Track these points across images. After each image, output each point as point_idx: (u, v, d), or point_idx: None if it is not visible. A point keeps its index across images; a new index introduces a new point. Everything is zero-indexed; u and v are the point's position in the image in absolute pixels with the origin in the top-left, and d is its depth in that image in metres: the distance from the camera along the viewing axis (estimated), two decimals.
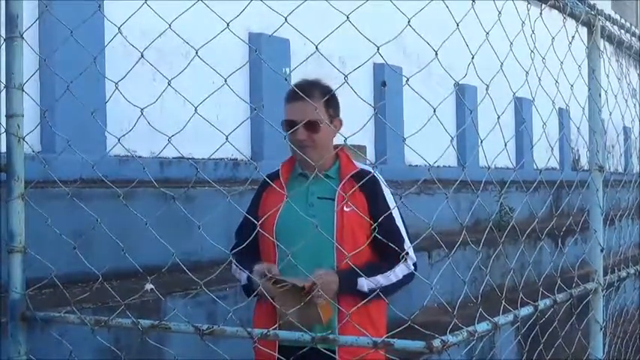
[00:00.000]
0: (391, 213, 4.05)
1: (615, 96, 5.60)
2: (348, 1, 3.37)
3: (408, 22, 3.10)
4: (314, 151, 4.09)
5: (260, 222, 3.82)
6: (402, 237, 4.07)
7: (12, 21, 3.77)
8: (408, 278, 4.05)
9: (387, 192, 4.15)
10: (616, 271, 5.30)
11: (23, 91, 3.80)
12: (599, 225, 4.90)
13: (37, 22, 6.51)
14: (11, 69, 3.77)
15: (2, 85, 3.82)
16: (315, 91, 4.09)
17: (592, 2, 4.89)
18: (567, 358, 5.45)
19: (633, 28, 5.95)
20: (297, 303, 3.72)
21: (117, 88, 3.68)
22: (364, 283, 3.88)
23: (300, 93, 3.87)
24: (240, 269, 4.05)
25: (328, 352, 3.88)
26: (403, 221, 4.15)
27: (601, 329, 4.96)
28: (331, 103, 4.14)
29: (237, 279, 4.20)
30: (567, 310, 4.72)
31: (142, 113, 3.55)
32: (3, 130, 3.81)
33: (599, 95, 4.89)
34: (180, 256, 3.70)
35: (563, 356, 5.51)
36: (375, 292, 3.87)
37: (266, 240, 3.98)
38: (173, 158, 7.63)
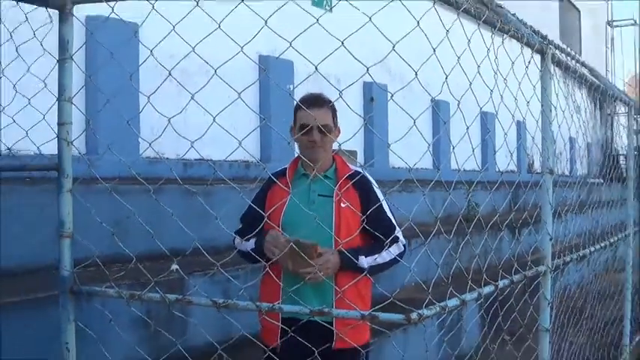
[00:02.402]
0: (381, 205, 4.05)
1: (563, 111, 5.62)
2: (342, 28, 3.35)
3: (393, 47, 3.09)
4: (323, 151, 4.10)
5: (268, 214, 3.82)
6: (393, 224, 4.08)
7: (64, 45, 3.76)
8: (401, 256, 4.05)
9: (376, 188, 4.16)
10: (562, 256, 5.31)
11: (72, 103, 3.79)
12: (549, 218, 4.91)
13: (84, 46, 6.50)
14: (62, 85, 3.76)
15: (55, 99, 3.81)
16: (325, 102, 4.10)
17: (544, 34, 4.92)
18: (521, 327, 5.45)
19: (577, 55, 5.99)
20: (302, 262, 3.79)
21: (149, 101, 3.66)
22: (364, 261, 3.88)
23: (313, 102, 4.04)
24: (247, 240, 4.05)
25: (324, 323, 3.88)
26: (392, 211, 4.14)
27: (549, 304, 4.97)
28: (335, 113, 4.15)
29: (240, 251, 4.18)
30: (522, 289, 4.72)
31: (169, 122, 3.54)
32: (55, 135, 3.80)
33: (550, 110, 4.90)
34: (201, 242, 3.69)
35: (518, 327, 5.51)
36: (372, 269, 3.95)
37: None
38: (195, 160, 7.64)
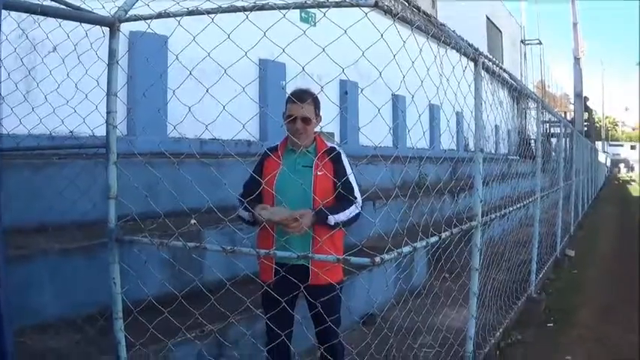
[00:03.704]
0: (347, 173, 4.01)
1: (490, 105, 5.60)
2: (323, 38, 3.29)
3: (362, 53, 3.11)
4: (305, 136, 4.02)
5: (265, 180, 3.86)
6: (354, 189, 4.02)
7: (112, 53, 3.71)
8: (358, 216, 4.00)
9: (345, 161, 4.10)
10: (488, 214, 5.31)
11: (117, 96, 3.74)
12: (480, 185, 4.92)
13: (127, 53, 6.43)
14: (110, 83, 3.72)
15: (105, 93, 3.77)
16: (308, 96, 4.00)
17: (476, 46, 4.92)
18: (457, 268, 5.45)
19: (500, 64, 5.98)
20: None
21: (174, 94, 3.66)
22: (332, 219, 3.83)
23: (299, 98, 3.91)
24: (246, 210, 3.95)
25: (306, 265, 3.86)
26: (356, 180, 4.08)
27: (478, 250, 4.99)
28: (317, 105, 4.07)
29: (240, 217, 4.12)
30: (459, 239, 4.71)
31: (190, 110, 3.55)
32: (104, 121, 3.76)
33: (481, 104, 4.90)
34: (213, 203, 3.70)
35: (455, 267, 5.51)
36: (339, 225, 3.86)
37: (267, 192, 3.91)
38: (209, 139, 7.54)
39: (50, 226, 5.31)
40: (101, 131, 3.97)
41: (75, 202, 5.44)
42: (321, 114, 4.13)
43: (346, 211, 3.94)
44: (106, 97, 3.77)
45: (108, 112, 3.76)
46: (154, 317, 4.02)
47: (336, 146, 4.17)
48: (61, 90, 4.78)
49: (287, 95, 4.03)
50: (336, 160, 4.06)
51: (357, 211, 4.01)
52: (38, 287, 4.59)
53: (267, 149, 4.14)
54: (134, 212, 3.86)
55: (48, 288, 4.64)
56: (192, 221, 5.52)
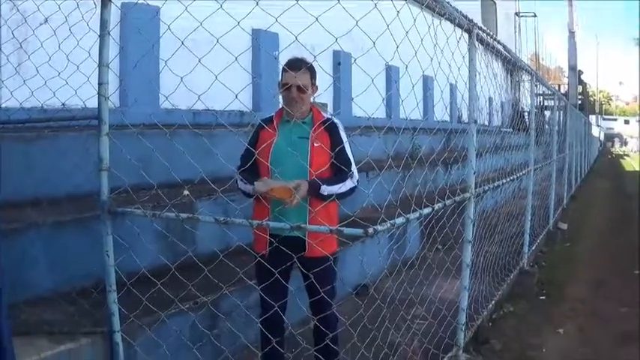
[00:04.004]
0: (344, 146, 3.99)
1: (484, 77, 5.59)
2: (316, 7, 3.28)
3: (356, 22, 3.10)
4: (301, 105, 3.99)
5: (258, 151, 3.86)
6: (351, 162, 4.01)
7: (104, 24, 3.70)
8: (353, 189, 4.00)
9: (342, 132, 4.08)
10: (482, 186, 5.31)
11: (108, 67, 3.74)
12: (473, 157, 4.93)
13: (119, 24, 6.39)
14: (102, 54, 3.71)
15: (96, 64, 3.76)
16: (303, 65, 3.98)
17: (470, 17, 4.91)
18: (450, 239, 5.47)
19: (494, 35, 5.96)
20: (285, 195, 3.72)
21: (166, 64, 3.66)
22: (324, 189, 3.84)
23: (294, 66, 3.91)
24: (246, 184, 3.96)
25: (301, 236, 3.88)
26: (352, 152, 4.08)
27: (471, 222, 5.00)
28: (313, 74, 4.04)
29: (242, 190, 4.11)
30: (452, 210, 4.73)
31: (182, 80, 3.54)
32: (96, 92, 3.77)
33: (475, 75, 4.89)
34: (206, 173, 3.70)
35: (448, 239, 5.53)
36: (332, 197, 3.87)
37: (262, 164, 3.91)
38: (202, 110, 7.51)
39: (43, 200, 5.29)
40: (93, 103, 3.96)
41: (68, 175, 5.42)
42: (317, 83, 4.11)
43: (341, 183, 3.94)
44: (97, 69, 3.76)
45: (100, 84, 3.75)
46: (147, 289, 4.03)
47: (332, 117, 4.14)
48: (53, 62, 4.76)
49: (281, 65, 4.02)
50: (333, 132, 4.04)
51: (353, 185, 4.01)
52: (32, 261, 4.58)
53: (262, 120, 4.11)
54: (127, 184, 3.87)
55: (42, 261, 4.64)
56: (185, 192, 5.53)
